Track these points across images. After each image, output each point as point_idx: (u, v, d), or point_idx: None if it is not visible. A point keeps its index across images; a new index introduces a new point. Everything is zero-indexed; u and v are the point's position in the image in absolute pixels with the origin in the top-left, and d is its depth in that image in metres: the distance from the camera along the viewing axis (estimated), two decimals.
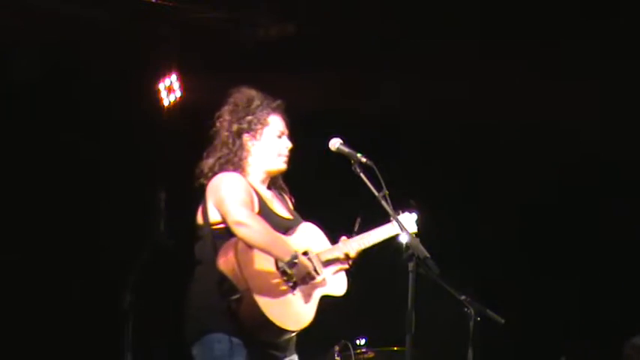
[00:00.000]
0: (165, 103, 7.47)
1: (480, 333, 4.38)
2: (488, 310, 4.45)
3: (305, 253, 4.16)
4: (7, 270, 6.89)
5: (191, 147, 7.20)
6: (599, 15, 6.73)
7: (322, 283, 4.17)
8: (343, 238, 4.30)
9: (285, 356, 4.16)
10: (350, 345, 5.81)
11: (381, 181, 4.00)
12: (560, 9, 6.82)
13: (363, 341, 5.95)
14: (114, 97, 7.14)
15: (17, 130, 6.99)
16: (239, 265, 3.94)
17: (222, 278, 3.96)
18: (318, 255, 4.20)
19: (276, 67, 7.04)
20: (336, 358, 5.81)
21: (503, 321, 4.48)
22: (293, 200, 4.44)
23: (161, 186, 3.89)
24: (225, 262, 3.98)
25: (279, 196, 4.36)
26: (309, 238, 4.26)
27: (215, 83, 7.20)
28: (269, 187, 4.33)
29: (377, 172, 4.04)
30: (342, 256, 4.25)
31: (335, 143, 4.25)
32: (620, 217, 7.31)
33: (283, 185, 4.41)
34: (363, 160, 4.12)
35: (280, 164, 4.30)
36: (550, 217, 7.53)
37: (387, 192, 3.97)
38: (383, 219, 4.26)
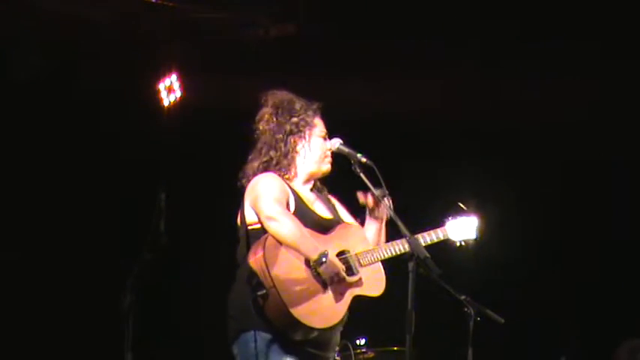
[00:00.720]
0: (165, 103, 7.47)
1: (480, 333, 4.38)
2: (488, 310, 4.45)
3: (342, 253, 4.15)
4: (7, 269, 6.89)
5: (191, 147, 7.28)
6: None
7: (358, 284, 4.13)
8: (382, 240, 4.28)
9: (326, 355, 4.15)
10: (350, 345, 5.81)
11: (381, 181, 4.00)
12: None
13: (363, 341, 5.94)
14: (114, 98, 7.14)
15: (17, 129, 6.99)
16: (265, 262, 3.95)
17: (252, 274, 3.99)
18: (357, 255, 4.18)
19: (276, 67, 7.04)
20: (336, 358, 5.81)
21: (503, 321, 4.48)
22: (335, 199, 4.41)
23: (161, 186, 3.88)
24: (254, 258, 4.00)
25: (324, 199, 4.36)
26: (349, 237, 4.23)
27: (215, 83, 7.26)
28: (312, 189, 4.33)
29: (377, 172, 4.04)
30: (381, 257, 4.21)
31: (335, 143, 4.26)
32: (621, 217, 7.32)
33: (320, 186, 4.38)
34: (363, 160, 4.13)
35: (327, 165, 4.31)
36: (550, 216, 7.53)
37: (387, 192, 3.97)
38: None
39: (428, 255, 3.72)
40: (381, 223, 4.30)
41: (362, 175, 4.13)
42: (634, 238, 7.24)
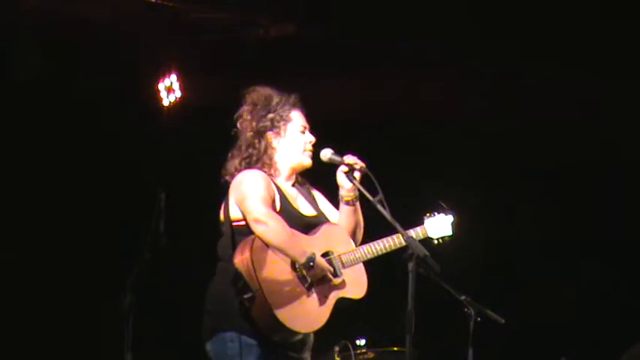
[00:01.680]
0: (165, 103, 7.47)
1: (480, 333, 4.38)
2: (488, 310, 4.46)
3: (326, 254, 4.15)
4: (7, 269, 6.89)
5: (191, 147, 7.28)
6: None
7: (341, 286, 4.14)
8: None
9: (301, 357, 4.15)
10: (350, 345, 5.81)
11: (377, 187, 3.99)
12: None
13: (363, 341, 5.94)
14: (114, 98, 7.14)
15: (17, 129, 6.99)
16: (253, 264, 3.95)
17: (237, 276, 3.99)
18: (340, 256, 4.18)
19: (276, 67, 7.04)
20: (336, 358, 5.81)
21: (503, 321, 4.48)
22: (317, 192, 4.40)
23: (161, 186, 3.88)
24: (241, 259, 4.00)
25: (306, 193, 4.35)
26: (332, 238, 4.22)
27: (215, 83, 7.26)
28: (294, 184, 4.33)
29: (373, 178, 4.03)
30: (364, 258, 4.21)
31: (326, 154, 4.24)
32: (622, 217, 7.32)
33: (302, 180, 4.37)
34: (357, 167, 4.12)
35: (306, 159, 4.29)
36: (550, 216, 7.52)
37: (382, 197, 3.96)
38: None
39: (427, 253, 3.72)
40: (353, 202, 4.25)
41: (355, 182, 4.13)
42: (634, 239, 7.23)
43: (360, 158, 4.17)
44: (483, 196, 7.44)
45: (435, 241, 4.37)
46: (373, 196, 3.96)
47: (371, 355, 5.94)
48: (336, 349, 5.80)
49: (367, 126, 7.14)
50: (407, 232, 4.16)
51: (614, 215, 7.37)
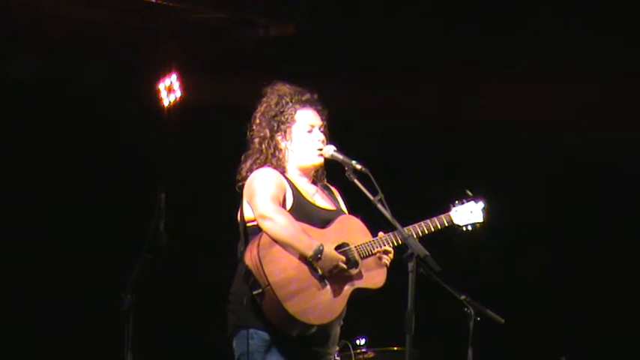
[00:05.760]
0: (165, 103, 7.48)
1: (480, 333, 4.38)
2: (488, 310, 4.46)
3: (341, 246, 4.16)
4: (7, 269, 6.89)
5: (191, 147, 7.28)
6: None
7: (357, 276, 4.15)
8: (380, 233, 4.24)
9: (327, 351, 4.18)
10: (350, 345, 5.81)
11: (376, 186, 3.99)
12: None
13: (363, 341, 5.94)
14: (114, 97, 7.15)
15: (16, 129, 7.00)
16: (260, 261, 3.99)
17: (248, 273, 4.02)
18: (356, 248, 4.18)
19: (276, 67, 7.04)
20: (336, 358, 5.81)
21: (503, 321, 4.49)
22: (337, 191, 4.41)
23: (161, 186, 3.88)
24: (250, 257, 4.04)
25: (325, 191, 4.37)
26: (348, 230, 4.23)
27: (215, 83, 7.26)
28: (314, 182, 4.34)
29: (371, 178, 4.03)
30: (380, 249, 4.20)
31: (329, 150, 4.25)
32: (620, 215, 7.32)
33: (321, 177, 4.38)
34: (358, 167, 4.12)
35: (315, 158, 4.29)
36: (550, 215, 7.53)
37: (382, 196, 3.96)
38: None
39: (427, 253, 3.73)
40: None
41: (356, 181, 4.12)
42: (635, 238, 7.24)
43: (361, 163, 4.15)
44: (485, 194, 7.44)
45: (464, 229, 4.35)
46: (374, 195, 3.97)
47: (371, 354, 5.94)
48: (336, 348, 5.80)
49: (367, 126, 7.13)
50: (426, 222, 4.25)
51: (617, 215, 7.37)
